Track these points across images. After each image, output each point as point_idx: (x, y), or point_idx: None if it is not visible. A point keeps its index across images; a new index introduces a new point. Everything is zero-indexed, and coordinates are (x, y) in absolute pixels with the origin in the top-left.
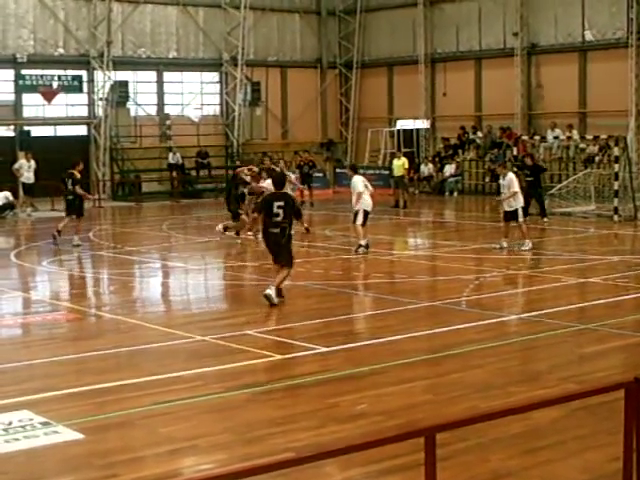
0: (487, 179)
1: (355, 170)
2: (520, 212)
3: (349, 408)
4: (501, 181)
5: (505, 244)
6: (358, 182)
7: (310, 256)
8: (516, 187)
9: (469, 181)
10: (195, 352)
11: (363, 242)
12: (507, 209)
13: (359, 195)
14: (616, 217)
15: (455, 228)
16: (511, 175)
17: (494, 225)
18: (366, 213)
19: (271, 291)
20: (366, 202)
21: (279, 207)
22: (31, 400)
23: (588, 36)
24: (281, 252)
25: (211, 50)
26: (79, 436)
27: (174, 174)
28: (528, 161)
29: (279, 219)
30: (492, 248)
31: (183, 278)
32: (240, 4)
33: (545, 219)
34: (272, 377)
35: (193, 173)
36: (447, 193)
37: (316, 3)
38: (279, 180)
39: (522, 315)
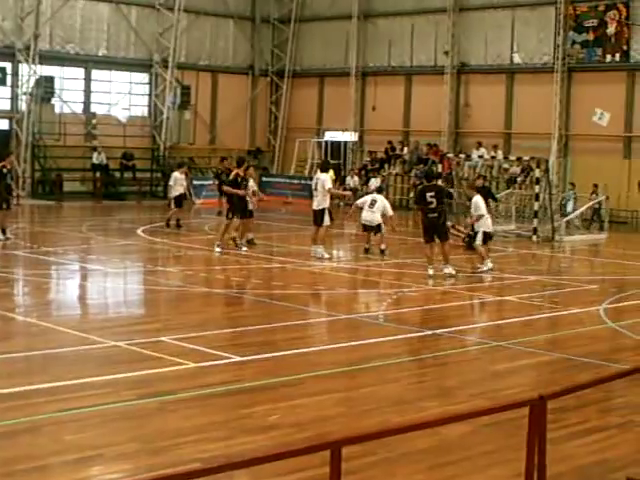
0: (411, 194)
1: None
2: (480, 235)
3: (261, 419)
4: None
5: (490, 264)
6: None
7: (230, 264)
8: (481, 210)
9: (393, 195)
10: (107, 358)
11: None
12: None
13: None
14: (535, 237)
15: (377, 242)
16: (476, 198)
17: (416, 240)
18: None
19: None
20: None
21: None
22: None
23: (516, 59)
24: None
25: (142, 50)
26: None
27: (97, 174)
28: (479, 182)
29: None
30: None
31: (100, 281)
32: (174, 6)
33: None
34: (184, 386)
35: (117, 174)
36: None
37: (251, 10)
38: None
39: (437, 331)
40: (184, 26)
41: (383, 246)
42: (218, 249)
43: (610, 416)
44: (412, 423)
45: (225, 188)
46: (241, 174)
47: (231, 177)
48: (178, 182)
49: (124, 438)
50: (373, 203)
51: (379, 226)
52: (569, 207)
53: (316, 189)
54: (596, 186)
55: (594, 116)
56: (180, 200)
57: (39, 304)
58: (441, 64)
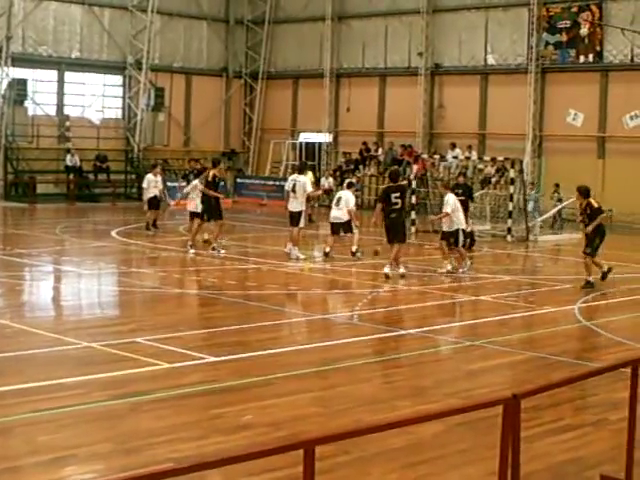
0: None
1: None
2: (460, 235)
3: (234, 419)
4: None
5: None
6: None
7: (205, 265)
8: (448, 209)
9: (369, 196)
10: (81, 359)
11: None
12: (446, 229)
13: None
14: (509, 237)
15: (352, 242)
16: (448, 196)
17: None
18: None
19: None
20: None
21: None
22: None
23: (490, 60)
24: None
25: (115, 52)
26: None
27: (71, 176)
28: (461, 179)
29: None
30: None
31: (74, 283)
32: (147, 7)
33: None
34: (158, 386)
35: (91, 176)
36: None
37: (224, 11)
38: None
39: (412, 330)
40: (157, 28)
41: (354, 248)
42: (192, 250)
43: (584, 414)
44: (386, 422)
45: (202, 189)
46: (218, 175)
47: (209, 178)
48: (151, 184)
49: (97, 438)
50: (339, 200)
51: (349, 223)
52: (529, 207)
53: (294, 191)
54: (557, 185)
55: (568, 117)
56: (154, 202)
57: (13, 306)
58: (415, 65)
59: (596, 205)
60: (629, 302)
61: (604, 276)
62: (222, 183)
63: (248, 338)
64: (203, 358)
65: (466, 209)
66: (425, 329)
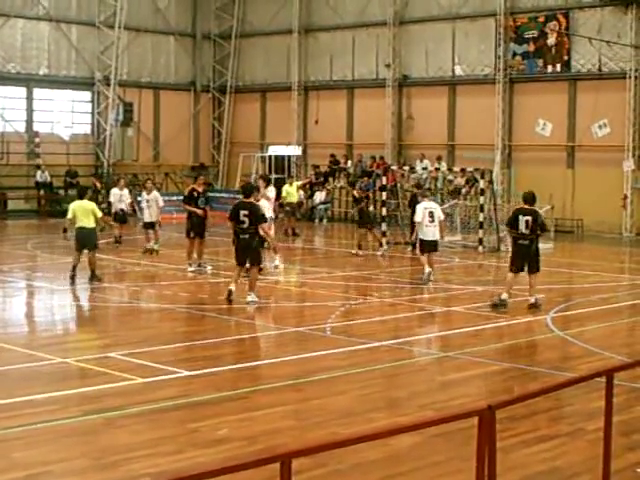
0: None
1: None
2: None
3: (210, 433)
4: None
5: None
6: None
7: (177, 279)
8: (418, 218)
9: (339, 209)
10: (55, 374)
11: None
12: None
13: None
14: (481, 248)
15: (323, 255)
16: (417, 207)
17: (361, 252)
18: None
19: None
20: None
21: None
22: None
23: (458, 71)
24: None
25: (83, 68)
26: None
27: (42, 192)
28: (416, 190)
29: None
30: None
31: (47, 298)
32: (114, 23)
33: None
34: (132, 401)
35: (61, 192)
36: (317, 220)
37: (191, 26)
38: None
39: (385, 342)
40: (125, 43)
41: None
42: (190, 268)
43: (560, 424)
44: (362, 434)
45: (184, 206)
46: (197, 189)
47: (186, 192)
48: (116, 198)
49: (73, 454)
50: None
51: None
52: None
53: None
54: None
55: (537, 126)
56: (119, 216)
57: None
58: (383, 77)
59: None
60: (601, 312)
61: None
62: (202, 198)
63: (221, 352)
64: (177, 372)
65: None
66: (398, 341)
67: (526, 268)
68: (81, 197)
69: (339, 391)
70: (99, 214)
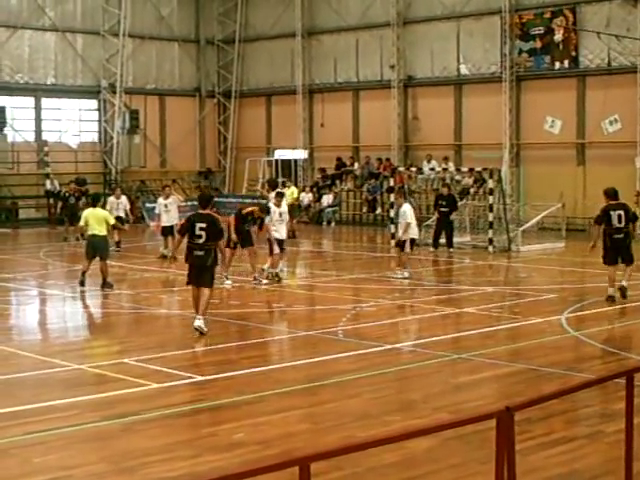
0: (364, 209)
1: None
2: (407, 243)
3: (226, 437)
4: (393, 211)
5: (407, 273)
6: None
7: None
8: (409, 218)
9: (346, 211)
10: (71, 381)
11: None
12: (403, 238)
13: None
14: (491, 248)
15: (332, 258)
16: (406, 206)
17: (370, 255)
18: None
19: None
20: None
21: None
22: None
23: (463, 70)
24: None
25: (89, 77)
26: None
27: (51, 201)
28: (445, 191)
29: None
30: (391, 278)
31: (60, 306)
32: (119, 32)
33: (451, 249)
34: (148, 406)
35: (71, 200)
36: (325, 223)
37: (195, 32)
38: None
39: (398, 345)
40: (130, 51)
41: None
42: (227, 281)
43: (578, 426)
44: (380, 438)
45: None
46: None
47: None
48: (113, 205)
49: (92, 459)
50: (281, 214)
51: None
52: None
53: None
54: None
55: (545, 124)
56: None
57: (1, 329)
58: (387, 78)
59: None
60: (616, 311)
61: None
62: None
63: (234, 356)
64: (192, 377)
65: (449, 219)
66: (410, 343)
67: (620, 260)
68: (94, 205)
69: (353, 394)
70: (112, 221)
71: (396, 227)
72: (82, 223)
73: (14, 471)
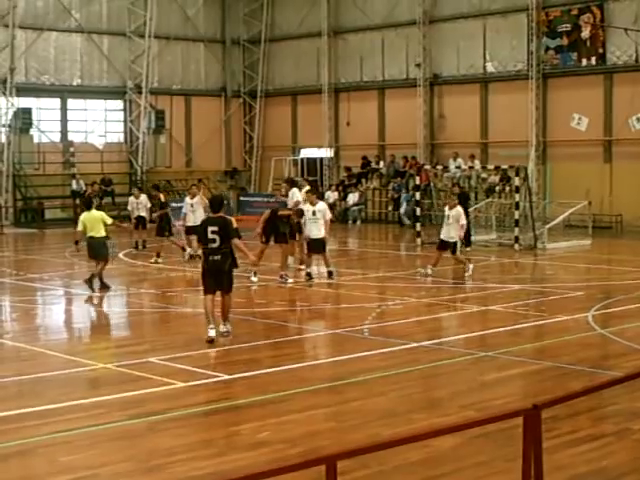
0: (390, 208)
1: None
2: (458, 245)
3: (251, 436)
4: (447, 212)
5: (430, 271)
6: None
7: None
8: (463, 220)
9: (372, 210)
10: (97, 380)
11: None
12: (445, 239)
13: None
14: (517, 246)
15: (358, 256)
16: (460, 208)
17: (396, 253)
18: None
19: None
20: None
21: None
22: None
23: (489, 68)
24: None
25: (115, 78)
26: None
27: (77, 201)
28: (456, 189)
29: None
30: (416, 274)
31: (85, 305)
32: (145, 32)
33: (468, 248)
34: (174, 405)
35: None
36: (350, 221)
37: (220, 32)
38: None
39: (424, 343)
40: (155, 52)
41: (331, 267)
42: (289, 280)
43: (605, 424)
44: (405, 436)
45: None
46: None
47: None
48: (133, 206)
49: (118, 458)
50: (315, 212)
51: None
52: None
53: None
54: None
55: (572, 121)
56: (139, 222)
57: (28, 329)
58: (413, 76)
59: None
60: None
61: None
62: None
63: (259, 355)
64: (217, 376)
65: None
66: (437, 341)
67: None
68: (88, 208)
69: (379, 392)
70: (109, 221)
71: (440, 228)
72: (80, 228)
73: (40, 470)
